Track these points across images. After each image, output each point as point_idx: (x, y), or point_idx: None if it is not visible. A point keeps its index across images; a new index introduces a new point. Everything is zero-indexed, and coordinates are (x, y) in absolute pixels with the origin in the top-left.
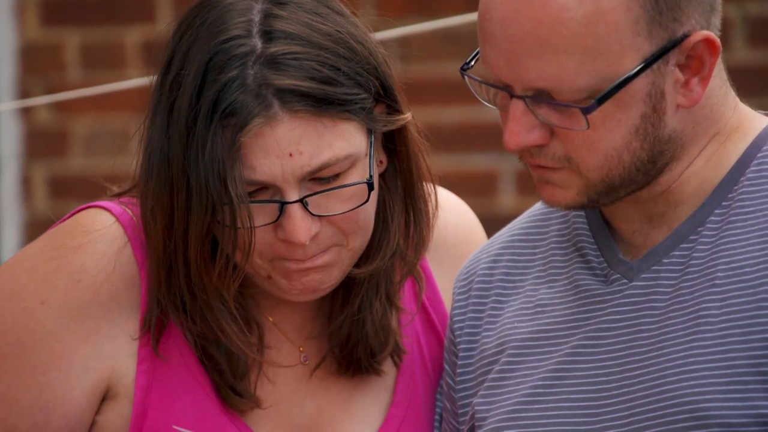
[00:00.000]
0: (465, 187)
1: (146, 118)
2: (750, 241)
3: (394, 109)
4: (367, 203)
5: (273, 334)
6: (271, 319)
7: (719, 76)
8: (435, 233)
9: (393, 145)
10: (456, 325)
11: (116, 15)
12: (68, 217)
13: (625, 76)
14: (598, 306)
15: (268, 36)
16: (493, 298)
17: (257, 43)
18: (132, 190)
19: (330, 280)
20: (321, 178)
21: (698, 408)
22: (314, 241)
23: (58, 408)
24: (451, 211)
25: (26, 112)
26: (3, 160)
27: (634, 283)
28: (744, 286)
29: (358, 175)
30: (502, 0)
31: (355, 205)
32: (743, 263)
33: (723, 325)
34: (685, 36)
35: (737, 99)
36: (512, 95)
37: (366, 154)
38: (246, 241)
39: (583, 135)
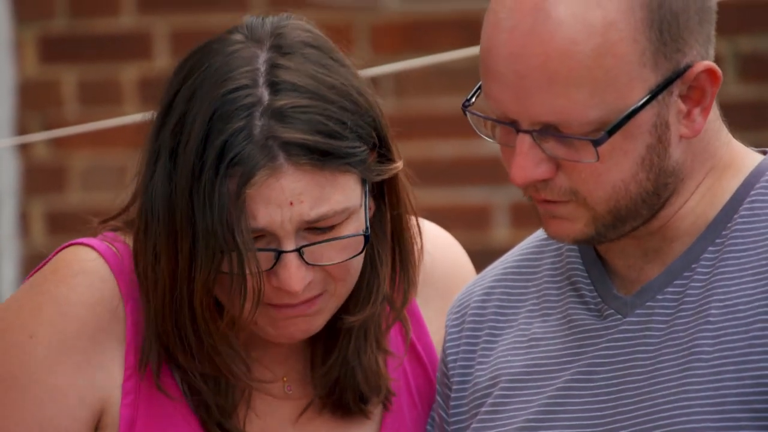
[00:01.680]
0: (459, 220)
1: (145, 156)
2: (743, 279)
3: (386, 157)
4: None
5: (256, 366)
6: (253, 354)
7: (713, 110)
8: (421, 268)
9: (381, 190)
10: (449, 358)
11: (113, 52)
12: (52, 257)
13: (633, 107)
14: (592, 341)
15: (274, 87)
16: (487, 331)
17: (264, 93)
18: (117, 220)
19: (315, 326)
20: (317, 228)
21: None
22: (306, 287)
23: None
24: (437, 247)
25: (24, 148)
26: (1, 196)
27: (628, 319)
28: (737, 324)
29: (353, 226)
30: (509, 36)
31: (350, 256)
32: (737, 301)
33: (716, 362)
34: (688, 66)
35: (729, 134)
36: (518, 130)
37: (361, 205)
38: (255, 288)
39: (591, 167)
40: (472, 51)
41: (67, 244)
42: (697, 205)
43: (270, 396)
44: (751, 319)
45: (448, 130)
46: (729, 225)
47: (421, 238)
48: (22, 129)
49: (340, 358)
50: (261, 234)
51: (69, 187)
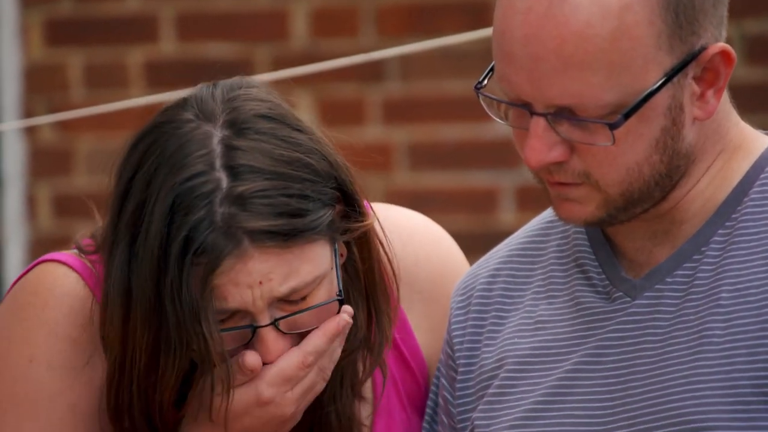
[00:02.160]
0: (465, 203)
1: (106, 238)
2: (755, 263)
3: (354, 212)
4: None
5: None
6: None
7: (724, 93)
8: (404, 271)
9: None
10: (455, 341)
11: (119, 35)
12: (25, 273)
13: (649, 90)
14: (601, 323)
15: (231, 171)
16: (493, 313)
17: (222, 178)
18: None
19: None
20: (291, 300)
21: (702, 426)
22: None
23: None
24: (423, 247)
25: (30, 132)
26: (8, 179)
27: (637, 302)
28: (749, 307)
29: (326, 289)
30: (524, 18)
31: (325, 319)
32: (748, 284)
33: (727, 345)
34: (703, 48)
35: (738, 117)
36: (532, 113)
37: (332, 267)
38: (225, 376)
39: (605, 150)
40: (478, 34)
41: (41, 259)
42: (707, 187)
43: None
44: (762, 303)
45: (454, 114)
46: (739, 208)
47: (397, 284)
48: (28, 112)
49: (316, 403)
50: (234, 311)
51: (75, 170)
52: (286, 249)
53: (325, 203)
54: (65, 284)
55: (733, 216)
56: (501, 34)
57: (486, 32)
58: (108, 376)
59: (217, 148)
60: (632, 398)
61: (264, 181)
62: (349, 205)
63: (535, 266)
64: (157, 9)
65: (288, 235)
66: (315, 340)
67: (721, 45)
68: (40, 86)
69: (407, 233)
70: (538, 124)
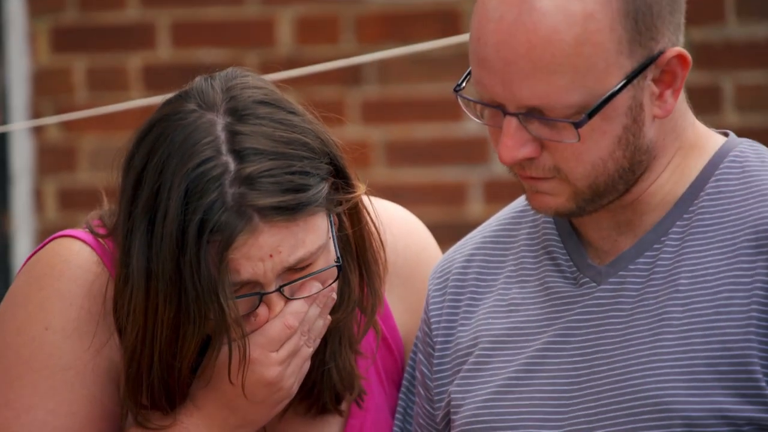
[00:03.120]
0: (437, 196)
1: (120, 226)
2: (711, 252)
3: (346, 184)
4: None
5: None
6: None
7: (681, 93)
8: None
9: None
10: (433, 320)
11: (120, 42)
12: (42, 247)
13: (611, 91)
14: (568, 307)
15: (238, 154)
16: (468, 295)
17: (229, 162)
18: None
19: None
20: (296, 268)
21: (661, 402)
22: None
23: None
24: (401, 236)
25: (38, 131)
26: (17, 175)
27: (602, 287)
28: (705, 293)
29: (325, 258)
30: (496, 25)
31: (326, 285)
32: (704, 272)
33: (685, 327)
34: (661, 52)
35: (694, 116)
36: (505, 113)
37: (329, 237)
38: (240, 341)
39: (572, 147)
40: (449, 41)
41: (56, 235)
42: (666, 181)
43: None
44: (717, 288)
45: (427, 114)
46: (696, 201)
47: (384, 251)
48: (35, 113)
49: (318, 361)
50: (246, 282)
51: (79, 166)
52: (292, 222)
53: (322, 178)
54: (80, 257)
55: (691, 209)
56: (476, 41)
57: (456, 39)
58: (128, 350)
59: (221, 134)
60: (597, 375)
61: (268, 162)
62: (342, 178)
63: (508, 252)
64: (154, 18)
65: (294, 209)
66: (295, 304)
67: (678, 49)
68: (47, 89)
69: (387, 222)
70: (511, 123)
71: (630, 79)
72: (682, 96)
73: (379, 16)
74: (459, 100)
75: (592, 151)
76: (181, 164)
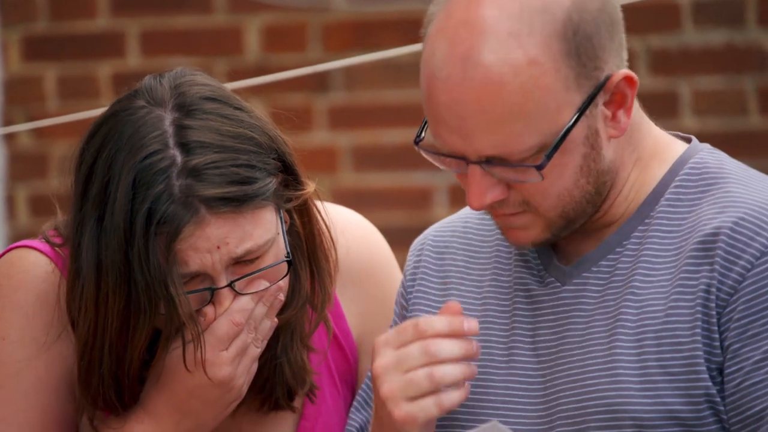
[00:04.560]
0: (404, 200)
1: (71, 222)
2: (664, 256)
3: (295, 182)
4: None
5: None
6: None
7: (633, 106)
8: (338, 258)
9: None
10: (409, 296)
11: (90, 51)
12: None
13: (566, 127)
14: (537, 304)
15: (185, 147)
16: (443, 279)
17: (176, 155)
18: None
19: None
20: (244, 261)
21: (615, 403)
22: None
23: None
24: (354, 239)
25: (10, 139)
26: None
27: (566, 287)
28: (657, 296)
29: (274, 253)
30: (444, 84)
31: (276, 281)
32: (659, 275)
33: (638, 330)
34: (607, 78)
35: (651, 124)
36: (468, 162)
37: (278, 232)
38: (194, 334)
39: (537, 185)
40: (414, 48)
41: (13, 246)
42: (629, 193)
43: None
44: (669, 291)
45: (393, 120)
46: (656, 207)
47: (336, 251)
48: (7, 121)
49: (269, 356)
50: (195, 275)
51: (50, 173)
52: (239, 213)
53: (269, 172)
54: (37, 267)
55: (651, 214)
56: (428, 99)
57: (422, 46)
58: (80, 341)
59: (169, 128)
60: (558, 374)
61: (214, 154)
62: (290, 174)
63: (484, 245)
64: (124, 26)
65: (240, 200)
66: (241, 301)
67: (623, 72)
68: (19, 97)
69: (341, 227)
70: (475, 171)
71: (582, 111)
72: (635, 108)
73: (345, 23)
74: (422, 153)
75: (556, 185)
76: (129, 157)
